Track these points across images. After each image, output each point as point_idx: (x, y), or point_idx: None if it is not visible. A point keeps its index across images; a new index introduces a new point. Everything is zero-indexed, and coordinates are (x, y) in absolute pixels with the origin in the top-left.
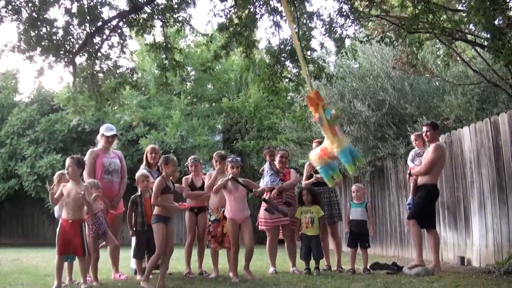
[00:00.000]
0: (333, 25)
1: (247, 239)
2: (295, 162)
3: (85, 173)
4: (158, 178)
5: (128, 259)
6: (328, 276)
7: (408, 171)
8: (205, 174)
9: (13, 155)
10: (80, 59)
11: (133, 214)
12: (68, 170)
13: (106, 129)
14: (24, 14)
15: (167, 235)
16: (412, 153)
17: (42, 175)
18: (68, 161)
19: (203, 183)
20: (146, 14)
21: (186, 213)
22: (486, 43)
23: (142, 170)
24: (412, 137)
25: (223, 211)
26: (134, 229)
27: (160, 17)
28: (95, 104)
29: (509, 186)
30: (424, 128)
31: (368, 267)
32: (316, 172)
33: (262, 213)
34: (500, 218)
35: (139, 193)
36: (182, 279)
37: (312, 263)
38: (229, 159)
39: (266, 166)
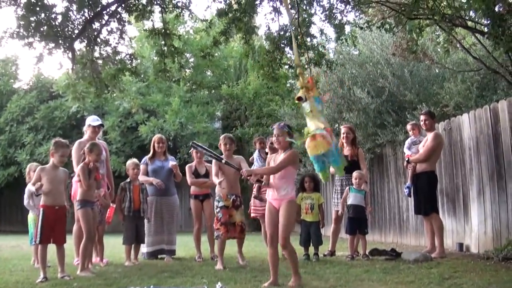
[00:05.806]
0: (333, 11)
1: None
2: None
3: (74, 164)
4: (81, 164)
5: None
6: (326, 262)
7: (406, 159)
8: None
9: (13, 142)
10: (79, 45)
11: (122, 200)
12: (64, 157)
13: (92, 120)
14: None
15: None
16: (408, 141)
17: (42, 162)
18: (64, 149)
19: (207, 170)
20: None
21: (192, 201)
22: (486, 29)
23: (133, 159)
24: (408, 127)
25: (233, 199)
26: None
27: (159, 2)
28: (95, 90)
29: (508, 173)
30: (422, 117)
31: (367, 253)
32: None
33: (252, 200)
34: (499, 205)
35: (128, 180)
36: (181, 264)
37: (311, 249)
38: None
39: (255, 155)
